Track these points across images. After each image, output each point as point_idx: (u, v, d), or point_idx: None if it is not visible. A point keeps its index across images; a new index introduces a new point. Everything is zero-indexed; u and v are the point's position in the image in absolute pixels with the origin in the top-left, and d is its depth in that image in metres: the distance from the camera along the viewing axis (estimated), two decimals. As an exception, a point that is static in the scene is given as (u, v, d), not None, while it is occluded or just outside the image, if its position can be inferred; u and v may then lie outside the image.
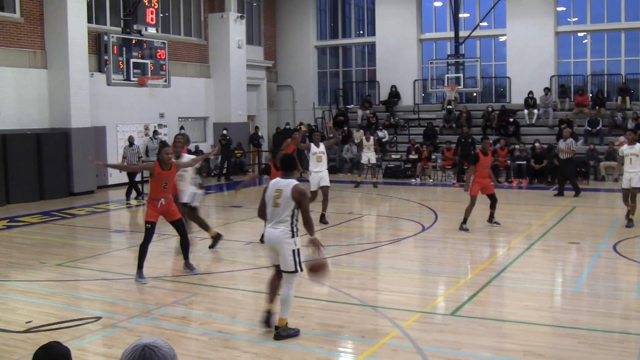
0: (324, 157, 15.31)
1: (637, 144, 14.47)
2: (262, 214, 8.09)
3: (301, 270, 7.69)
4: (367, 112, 30.24)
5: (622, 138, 22.87)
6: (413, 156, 25.59)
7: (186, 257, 10.95)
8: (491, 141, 16.06)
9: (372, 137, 24.21)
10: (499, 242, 13.67)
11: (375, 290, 10.08)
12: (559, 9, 28.93)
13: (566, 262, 12.07)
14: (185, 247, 10.93)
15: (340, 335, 7.92)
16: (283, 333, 7.68)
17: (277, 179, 7.85)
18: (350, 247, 12.88)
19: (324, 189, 15.13)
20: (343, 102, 32.79)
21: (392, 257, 12.57)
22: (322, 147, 15.27)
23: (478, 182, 14.39)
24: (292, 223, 7.62)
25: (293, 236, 7.60)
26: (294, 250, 7.58)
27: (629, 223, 14.26)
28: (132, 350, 2.71)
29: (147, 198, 11.04)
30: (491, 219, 14.77)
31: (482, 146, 14.94)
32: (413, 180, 24.62)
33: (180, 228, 10.92)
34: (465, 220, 14.34)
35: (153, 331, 7.96)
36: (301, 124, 29.73)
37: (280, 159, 8.18)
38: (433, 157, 25.71)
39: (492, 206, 14.68)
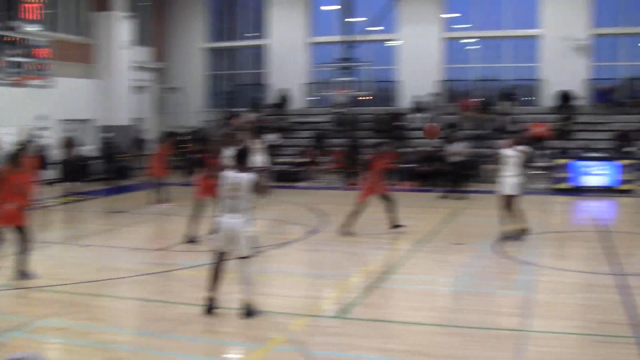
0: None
1: (519, 147, 13.76)
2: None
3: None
4: (257, 115, 30.13)
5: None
6: (302, 160, 25.64)
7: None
8: (386, 145, 15.60)
9: (259, 140, 24.07)
10: (386, 244, 13.81)
11: (263, 295, 9.94)
12: (448, 15, 29.82)
13: (451, 263, 12.21)
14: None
15: (227, 341, 7.81)
16: (254, 310, 8.37)
17: (232, 172, 8.39)
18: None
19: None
20: (232, 105, 32.59)
21: (280, 260, 12.49)
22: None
23: (370, 186, 14.26)
24: (248, 213, 8.35)
25: (249, 224, 8.38)
26: (248, 238, 8.39)
27: (521, 235, 13.48)
28: (7, 365, 2.56)
29: None
30: (392, 223, 14.44)
31: (377, 150, 14.84)
32: (302, 183, 24.68)
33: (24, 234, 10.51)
34: (350, 224, 14.20)
35: (30, 345, 7.58)
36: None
37: (237, 153, 8.61)
38: (322, 160, 25.85)
39: (391, 209, 14.40)
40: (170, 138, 21.37)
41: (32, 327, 8.29)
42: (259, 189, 8.30)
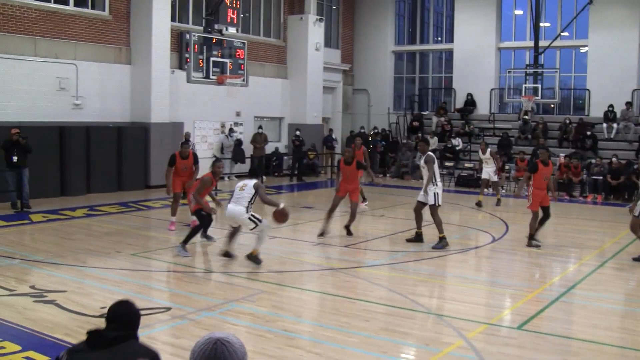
0: (424, 171, 13.84)
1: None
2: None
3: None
4: (442, 119, 30.10)
5: None
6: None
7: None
8: (550, 152, 14.85)
9: (488, 150, 21.13)
10: (570, 258, 13.41)
11: (442, 299, 10.06)
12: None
13: (639, 282, 11.70)
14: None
15: (403, 341, 7.94)
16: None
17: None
18: (418, 254, 12.87)
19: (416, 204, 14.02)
20: (418, 108, 32.73)
21: (460, 266, 12.49)
22: (422, 159, 13.92)
23: (536, 194, 13.76)
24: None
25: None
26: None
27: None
28: (205, 343, 2.82)
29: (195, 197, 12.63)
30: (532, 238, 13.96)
31: (541, 156, 14.28)
32: (485, 190, 24.29)
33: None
34: (532, 236, 13.82)
35: (220, 325, 8.15)
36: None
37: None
38: (507, 167, 25.34)
39: (542, 222, 13.99)
40: (363, 138, 21.58)
41: (223, 309, 8.90)
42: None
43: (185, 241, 12.35)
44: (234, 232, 11.98)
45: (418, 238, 13.94)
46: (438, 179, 13.64)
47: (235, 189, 11.62)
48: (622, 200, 22.07)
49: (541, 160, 14.08)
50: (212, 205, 13.09)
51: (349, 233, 14.62)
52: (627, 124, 26.49)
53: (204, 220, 12.69)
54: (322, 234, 14.35)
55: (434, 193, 13.47)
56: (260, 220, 11.47)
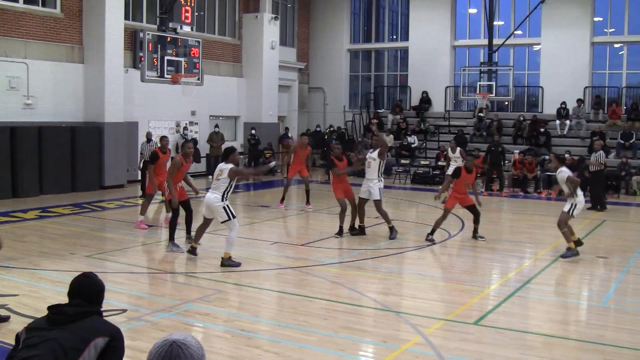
0: (374, 164, 14.21)
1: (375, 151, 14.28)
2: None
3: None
4: (398, 117, 30.25)
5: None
6: (442, 163, 25.45)
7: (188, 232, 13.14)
8: (476, 159, 15.59)
9: (458, 149, 20.96)
10: (525, 253, 13.57)
11: (399, 296, 10.08)
12: (596, 19, 28.72)
13: (593, 276, 11.86)
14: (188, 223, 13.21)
15: (362, 339, 7.93)
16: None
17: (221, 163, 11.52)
18: (376, 252, 12.90)
19: (360, 200, 14.53)
20: (374, 106, 32.82)
21: (417, 263, 12.56)
22: (375, 152, 14.29)
23: (455, 196, 14.19)
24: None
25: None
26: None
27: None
28: (162, 345, 2.77)
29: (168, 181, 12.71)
30: (475, 234, 14.37)
31: (466, 163, 14.63)
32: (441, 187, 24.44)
33: (188, 207, 13.10)
34: (433, 232, 14.13)
35: (177, 326, 8.05)
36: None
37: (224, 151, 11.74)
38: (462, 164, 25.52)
39: (476, 221, 14.31)
40: (310, 137, 21.68)
41: (180, 310, 8.80)
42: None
43: (171, 237, 12.59)
44: (203, 226, 11.89)
45: (361, 231, 14.53)
46: (382, 174, 14.29)
47: (213, 175, 11.66)
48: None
49: (465, 167, 14.45)
50: (187, 190, 13.43)
51: (359, 231, 14.72)
52: (579, 121, 26.97)
53: (174, 211, 12.77)
54: (339, 233, 14.40)
55: (379, 188, 14.12)
56: (233, 216, 11.33)
